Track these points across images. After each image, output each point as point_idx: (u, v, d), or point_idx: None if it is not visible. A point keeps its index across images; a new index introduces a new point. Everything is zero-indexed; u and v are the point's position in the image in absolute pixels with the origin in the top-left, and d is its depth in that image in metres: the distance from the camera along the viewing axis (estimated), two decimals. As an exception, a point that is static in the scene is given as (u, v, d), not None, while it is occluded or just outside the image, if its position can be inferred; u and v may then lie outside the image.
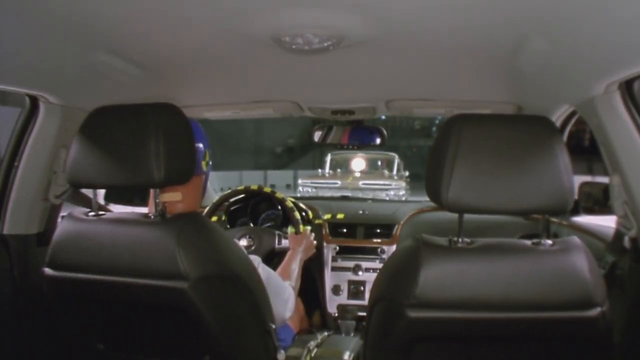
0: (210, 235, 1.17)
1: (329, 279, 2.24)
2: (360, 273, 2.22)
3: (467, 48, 1.21)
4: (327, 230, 2.29)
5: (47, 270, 1.16)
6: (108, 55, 1.25)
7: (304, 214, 2.20)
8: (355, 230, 2.29)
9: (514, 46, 1.15)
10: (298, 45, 1.15)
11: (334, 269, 2.24)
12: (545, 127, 1.01)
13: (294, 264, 1.76)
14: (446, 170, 0.97)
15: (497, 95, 1.63)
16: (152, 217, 1.14)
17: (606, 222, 1.51)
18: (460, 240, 1.01)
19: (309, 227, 2.05)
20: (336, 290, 2.22)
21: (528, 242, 1.03)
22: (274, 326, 1.31)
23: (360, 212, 2.36)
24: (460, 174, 0.97)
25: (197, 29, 1.12)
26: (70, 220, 1.18)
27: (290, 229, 2.01)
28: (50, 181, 1.43)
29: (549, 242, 1.02)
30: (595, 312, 0.96)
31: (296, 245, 1.89)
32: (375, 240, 2.26)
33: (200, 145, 1.28)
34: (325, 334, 1.84)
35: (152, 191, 1.19)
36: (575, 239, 1.03)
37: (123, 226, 1.14)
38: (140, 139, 1.07)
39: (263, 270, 1.36)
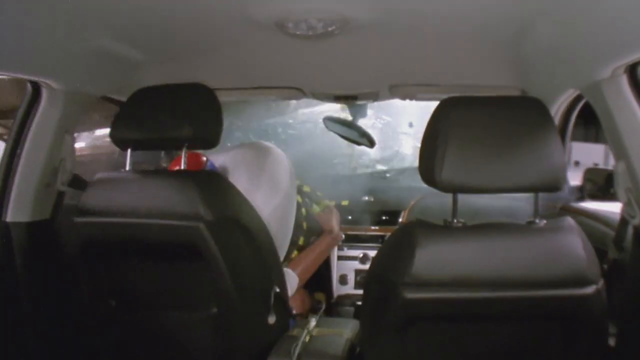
0: (227, 187, 1.32)
1: (336, 268, 2.20)
2: (367, 262, 2.16)
3: (471, 31, 1.20)
4: None
5: (76, 219, 1.25)
6: (110, 40, 1.24)
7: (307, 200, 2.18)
8: (361, 218, 2.28)
9: (518, 29, 1.14)
10: (302, 30, 1.15)
11: (340, 258, 2.20)
12: (534, 107, 1.02)
13: (320, 252, 1.82)
14: (439, 152, 0.99)
15: (501, 80, 1.62)
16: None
17: (609, 209, 1.51)
18: (455, 220, 1.03)
19: (332, 202, 2.01)
20: (343, 279, 2.18)
21: (522, 222, 1.04)
22: (277, 289, 1.40)
23: (365, 198, 2.34)
24: (452, 154, 0.98)
25: (200, 14, 1.11)
26: (102, 175, 1.30)
27: (315, 207, 1.93)
28: (54, 168, 1.42)
29: (543, 221, 1.03)
30: (590, 289, 0.97)
31: (329, 226, 1.88)
32: (381, 227, 2.24)
33: None
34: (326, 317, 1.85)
35: (183, 151, 1.31)
36: (569, 219, 1.05)
37: (150, 176, 1.28)
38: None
39: None
